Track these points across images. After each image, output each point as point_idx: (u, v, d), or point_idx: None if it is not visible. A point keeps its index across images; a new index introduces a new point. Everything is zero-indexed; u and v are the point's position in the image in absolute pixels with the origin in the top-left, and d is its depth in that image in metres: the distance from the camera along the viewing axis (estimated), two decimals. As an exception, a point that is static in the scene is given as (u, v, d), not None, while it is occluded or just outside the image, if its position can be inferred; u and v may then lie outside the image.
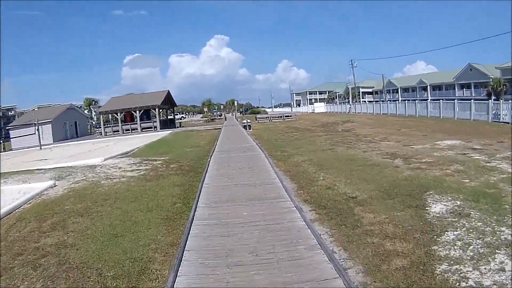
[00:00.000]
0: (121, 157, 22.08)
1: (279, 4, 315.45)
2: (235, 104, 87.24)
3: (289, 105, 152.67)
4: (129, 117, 54.74)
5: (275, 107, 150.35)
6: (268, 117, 59.04)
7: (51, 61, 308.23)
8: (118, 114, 53.81)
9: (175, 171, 16.24)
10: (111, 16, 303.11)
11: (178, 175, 15.35)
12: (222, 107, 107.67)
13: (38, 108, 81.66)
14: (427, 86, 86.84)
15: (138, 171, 16.62)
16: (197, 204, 10.56)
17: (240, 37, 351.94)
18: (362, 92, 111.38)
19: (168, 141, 33.13)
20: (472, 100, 34.59)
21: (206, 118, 74.31)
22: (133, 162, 19.65)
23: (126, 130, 53.34)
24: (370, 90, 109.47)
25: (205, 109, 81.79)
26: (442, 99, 40.77)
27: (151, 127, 52.94)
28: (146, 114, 55.18)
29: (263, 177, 13.74)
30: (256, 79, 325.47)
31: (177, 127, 56.43)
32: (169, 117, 66.46)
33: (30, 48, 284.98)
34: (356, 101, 70.73)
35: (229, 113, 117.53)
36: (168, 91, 58.73)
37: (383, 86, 77.69)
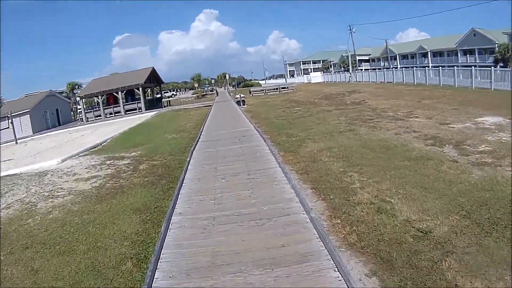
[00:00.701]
0: (84, 155, 17.54)
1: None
2: (227, 77, 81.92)
3: (282, 76, 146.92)
4: (112, 99, 49.61)
5: (268, 78, 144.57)
6: (262, 90, 53.94)
7: (38, 47, 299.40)
8: (100, 97, 48.62)
9: (143, 178, 11.64)
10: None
11: (145, 186, 10.71)
12: (213, 81, 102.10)
13: (25, 96, 75.89)
14: (427, 53, 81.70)
15: (95, 180, 12.04)
16: (154, 274, 5.68)
17: (229, 10, 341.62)
18: (358, 60, 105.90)
19: (149, 125, 28.43)
20: (492, 68, 29.79)
21: (197, 94, 69.24)
22: (94, 162, 15.19)
23: (109, 114, 48.36)
24: (366, 57, 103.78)
25: (196, 85, 76.36)
26: (444, 66, 37.31)
27: (135, 109, 47.96)
28: (131, 94, 50.09)
29: (270, 195, 8.69)
30: (247, 52, 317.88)
31: (165, 106, 51.29)
32: (157, 95, 61.43)
33: (14, 33, 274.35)
34: (356, 69, 65.68)
35: (221, 88, 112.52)
36: (153, 68, 53.34)
37: (387, 52, 72.45)
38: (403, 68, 47.95)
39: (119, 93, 47.15)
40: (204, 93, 74.35)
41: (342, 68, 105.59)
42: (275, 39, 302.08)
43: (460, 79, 32.60)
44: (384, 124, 16.64)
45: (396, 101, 25.64)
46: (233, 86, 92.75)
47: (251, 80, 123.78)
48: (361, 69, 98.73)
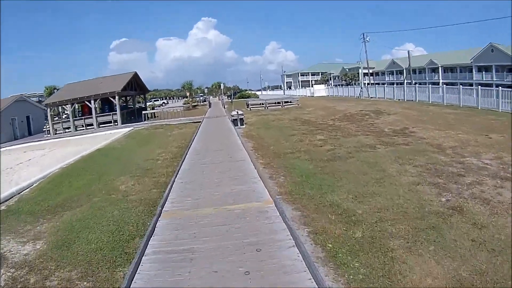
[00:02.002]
0: None
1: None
2: (222, 87, 73.51)
3: (278, 87, 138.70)
4: (87, 108, 40.87)
5: (264, 89, 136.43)
6: (262, 104, 45.36)
7: (35, 47, 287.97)
8: (69, 105, 39.83)
9: None
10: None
11: None
12: (206, 90, 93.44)
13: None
14: (438, 68, 74.12)
15: None
16: None
17: (228, 19, 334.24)
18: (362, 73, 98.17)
19: (109, 153, 19.70)
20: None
21: (188, 105, 60.73)
22: None
23: (80, 126, 39.60)
24: (370, 71, 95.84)
25: (188, 94, 67.73)
26: (456, 83, 30.47)
27: (110, 122, 39.24)
28: (108, 104, 41.19)
29: None
30: (244, 62, 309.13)
31: (148, 118, 42.31)
32: (141, 105, 52.92)
33: (12, 32, 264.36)
34: (369, 83, 57.36)
35: (215, 97, 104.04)
36: (135, 73, 44.46)
37: (409, 64, 63.71)
38: (430, 85, 39.87)
39: (92, 101, 38.40)
40: (196, 104, 65.79)
41: (344, 81, 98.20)
42: (272, 50, 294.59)
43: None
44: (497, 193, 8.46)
45: (453, 132, 18.01)
46: (228, 97, 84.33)
47: (246, 90, 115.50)
48: (365, 83, 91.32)
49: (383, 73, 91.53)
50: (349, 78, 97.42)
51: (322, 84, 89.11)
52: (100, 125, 38.84)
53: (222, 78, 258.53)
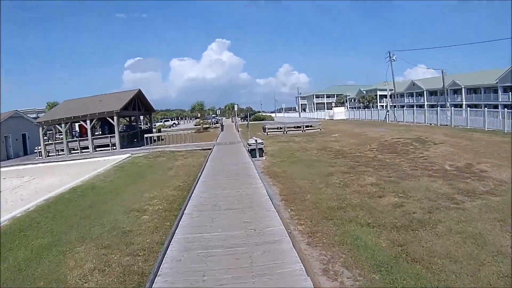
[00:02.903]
0: None
1: (280, 7, 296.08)
2: (235, 109, 68.53)
3: (292, 109, 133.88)
4: (85, 129, 36.07)
5: (279, 111, 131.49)
6: (281, 128, 40.19)
7: (50, 64, 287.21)
8: (63, 125, 35.07)
9: None
10: (113, 18, 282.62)
11: None
12: (218, 111, 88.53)
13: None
14: (461, 89, 68.75)
15: None
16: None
17: (241, 41, 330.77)
18: (380, 95, 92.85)
19: (79, 201, 14.16)
20: None
21: (199, 127, 55.75)
22: None
23: (75, 149, 34.73)
24: (387, 93, 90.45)
25: (199, 115, 62.70)
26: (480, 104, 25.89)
27: (107, 145, 34.37)
28: (108, 125, 36.19)
29: None
30: (257, 83, 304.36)
31: (154, 141, 37.15)
32: (145, 126, 48.14)
33: (27, 49, 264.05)
34: (395, 106, 51.80)
35: (228, 119, 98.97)
36: (139, 90, 39.61)
37: (443, 83, 57.95)
38: (468, 108, 34.60)
39: (88, 122, 33.53)
40: (207, 126, 60.75)
41: (361, 104, 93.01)
42: (285, 72, 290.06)
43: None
44: None
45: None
46: (241, 119, 79.26)
47: (260, 112, 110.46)
48: (382, 105, 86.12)
49: (401, 95, 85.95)
50: (366, 100, 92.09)
51: (341, 106, 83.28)
52: (97, 149, 33.94)
53: (235, 100, 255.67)
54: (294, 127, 40.26)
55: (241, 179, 14.79)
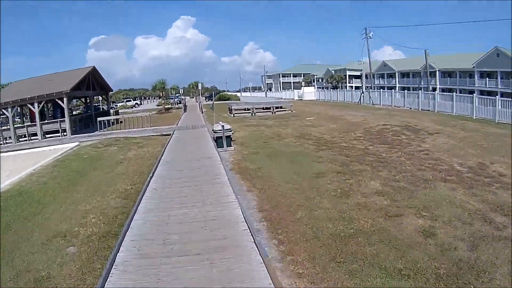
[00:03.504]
0: None
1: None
2: (200, 87, 64.57)
3: (257, 89, 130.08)
4: (33, 113, 31.42)
5: (244, 90, 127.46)
6: (248, 109, 36.82)
7: (9, 45, 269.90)
8: (9, 109, 30.24)
9: None
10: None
11: None
12: (181, 91, 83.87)
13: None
14: (435, 72, 66.77)
15: None
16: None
17: (207, 18, 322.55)
18: (349, 75, 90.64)
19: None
20: None
21: (160, 108, 51.61)
22: None
23: (23, 136, 30.21)
24: (358, 73, 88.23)
25: (161, 94, 58.18)
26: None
27: (58, 130, 29.93)
28: (60, 107, 31.36)
29: None
30: (222, 62, 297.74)
31: (111, 124, 32.39)
32: (102, 107, 43.66)
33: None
34: (371, 87, 48.91)
35: (192, 98, 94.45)
36: (93, 68, 34.80)
37: (426, 65, 55.42)
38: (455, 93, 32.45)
39: (36, 105, 29.02)
40: (170, 107, 56.56)
41: (330, 84, 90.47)
42: (250, 50, 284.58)
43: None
44: None
45: None
46: (206, 98, 75.12)
47: (224, 91, 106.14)
48: (352, 86, 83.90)
49: (372, 76, 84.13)
50: (335, 80, 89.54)
51: (310, 86, 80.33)
52: (46, 135, 29.59)
53: (199, 78, 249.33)
54: (263, 108, 37.00)
55: (205, 186, 11.23)
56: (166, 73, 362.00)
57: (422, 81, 69.11)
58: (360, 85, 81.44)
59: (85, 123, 34.61)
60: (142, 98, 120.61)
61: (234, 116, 34.10)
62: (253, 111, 35.61)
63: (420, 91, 35.06)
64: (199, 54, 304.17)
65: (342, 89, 65.08)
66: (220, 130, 17.68)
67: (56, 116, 33.70)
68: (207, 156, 15.88)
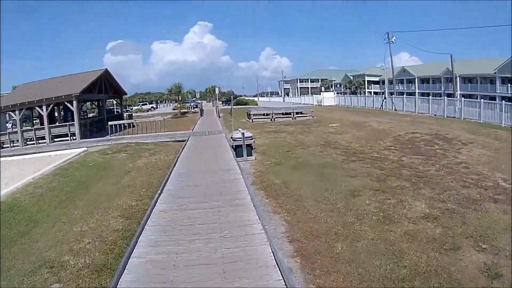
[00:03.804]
0: None
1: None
2: (217, 92, 63.26)
3: (274, 94, 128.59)
4: (42, 116, 30.39)
5: (261, 95, 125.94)
6: (268, 114, 35.17)
7: (28, 48, 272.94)
8: (16, 112, 29.23)
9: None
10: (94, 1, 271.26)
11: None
12: (197, 95, 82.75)
13: None
14: (455, 77, 64.16)
15: None
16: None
17: (224, 23, 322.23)
18: (368, 81, 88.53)
19: None
20: None
21: (175, 112, 50.39)
22: None
23: (29, 139, 29.17)
24: (377, 79, 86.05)
25: (177, 98, 56.88)
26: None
27: (67, 134, 28.72)
28: (70, 111, 30.18)
29: None
30: (239, 67, 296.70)
31: (124, 128, 30.91)
32: (116, 111, 42.49)
33: (7, 33, 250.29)
34: (393, 94, 46.57)
35: (209, 103, 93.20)
36: (106, 70, 33.73)
37: (452, 70, 52.94)
38: (482, 99, 30.46)
39: (44, 108, 27.90)
40: (185, 111, 55.32)
41: (348, 90, 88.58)
42: (267, 56, 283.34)
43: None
44: None
45: None
46: (223, 103, 73.72)
47: (241, 96, 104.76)
48: (370, 92, 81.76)
49: (391, 82, 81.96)
50: (354, 86, 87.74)
51: (329, 91, 78.32)
52: (55, 139, 28.45)
53: (216, 83, 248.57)
54: (283, 114, 35.23)
55: (224, 208, 9.27)
56: (182, 77, 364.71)
57: (442, 87, 66.97)
58: (379, 90, 79.78)
59: (96, 127, 33.45)
60: (158, 102, 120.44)
61: (253, 122, 32.61)
62: (272, 117, 33.96)
63: (445, 97, 33.02)
64: (216, 59, 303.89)
65: (361, 94, 62.87)
66: (240, 138, 16.04)
67: (66, 119, 32.72)
68: (225, 168, 14.16)
